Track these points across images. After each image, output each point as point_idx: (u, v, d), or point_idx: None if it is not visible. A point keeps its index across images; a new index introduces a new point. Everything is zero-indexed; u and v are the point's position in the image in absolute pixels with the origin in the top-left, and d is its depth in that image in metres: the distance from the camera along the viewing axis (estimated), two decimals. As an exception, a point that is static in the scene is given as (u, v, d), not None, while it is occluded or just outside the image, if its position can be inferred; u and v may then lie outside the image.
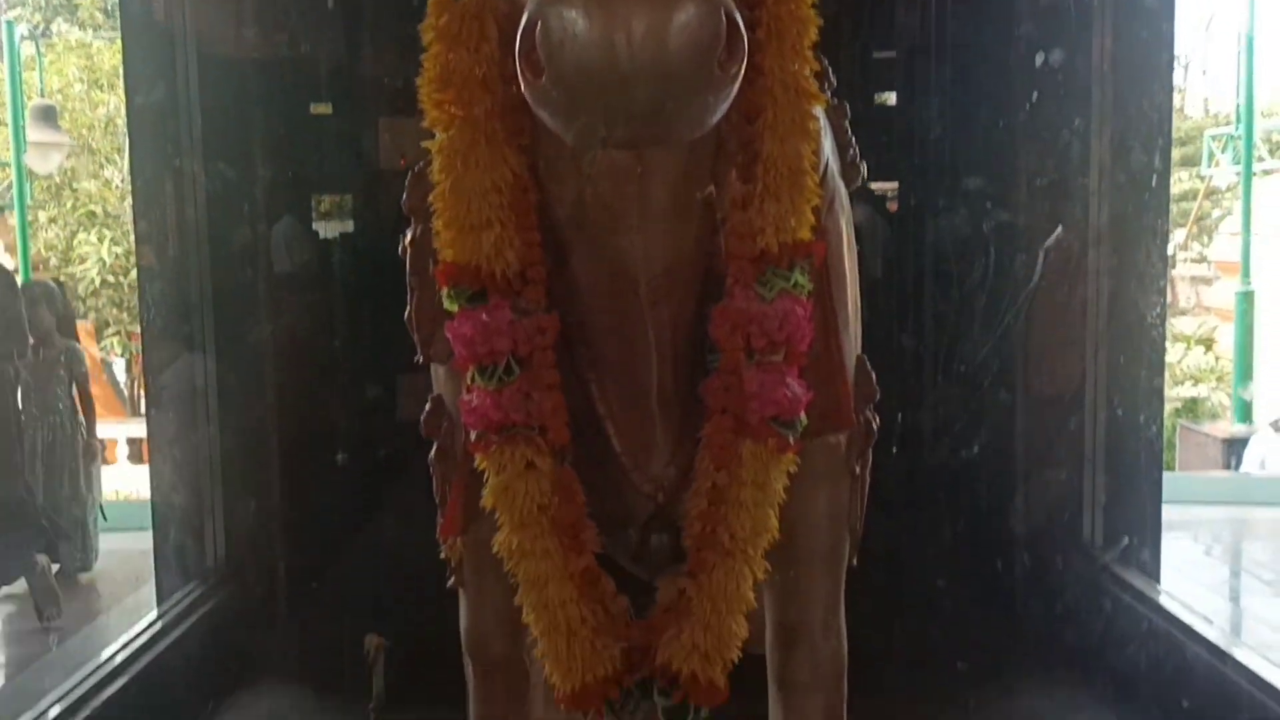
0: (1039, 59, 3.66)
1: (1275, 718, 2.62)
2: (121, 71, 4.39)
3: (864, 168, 1.95)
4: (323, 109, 4.50)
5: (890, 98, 4.27)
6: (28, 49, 12.37)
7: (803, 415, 1.62)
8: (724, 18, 1.12)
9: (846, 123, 1.92)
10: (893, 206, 4.13)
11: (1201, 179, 13.32)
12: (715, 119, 1.19)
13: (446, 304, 1.63)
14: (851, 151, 1.93)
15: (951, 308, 3.88)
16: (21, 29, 14.11)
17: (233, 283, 4.10)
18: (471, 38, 1.54)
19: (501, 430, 1.61)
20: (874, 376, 1.88)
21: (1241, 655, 2.82)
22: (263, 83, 4.20)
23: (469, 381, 1.63)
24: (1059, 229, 3.58)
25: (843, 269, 1.78)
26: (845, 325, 1.79)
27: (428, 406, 1.89)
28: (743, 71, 1.17)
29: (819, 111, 1.61)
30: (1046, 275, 3.59)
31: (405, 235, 1.86)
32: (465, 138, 1.55)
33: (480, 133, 1.54)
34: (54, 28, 17.88)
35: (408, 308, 1.86)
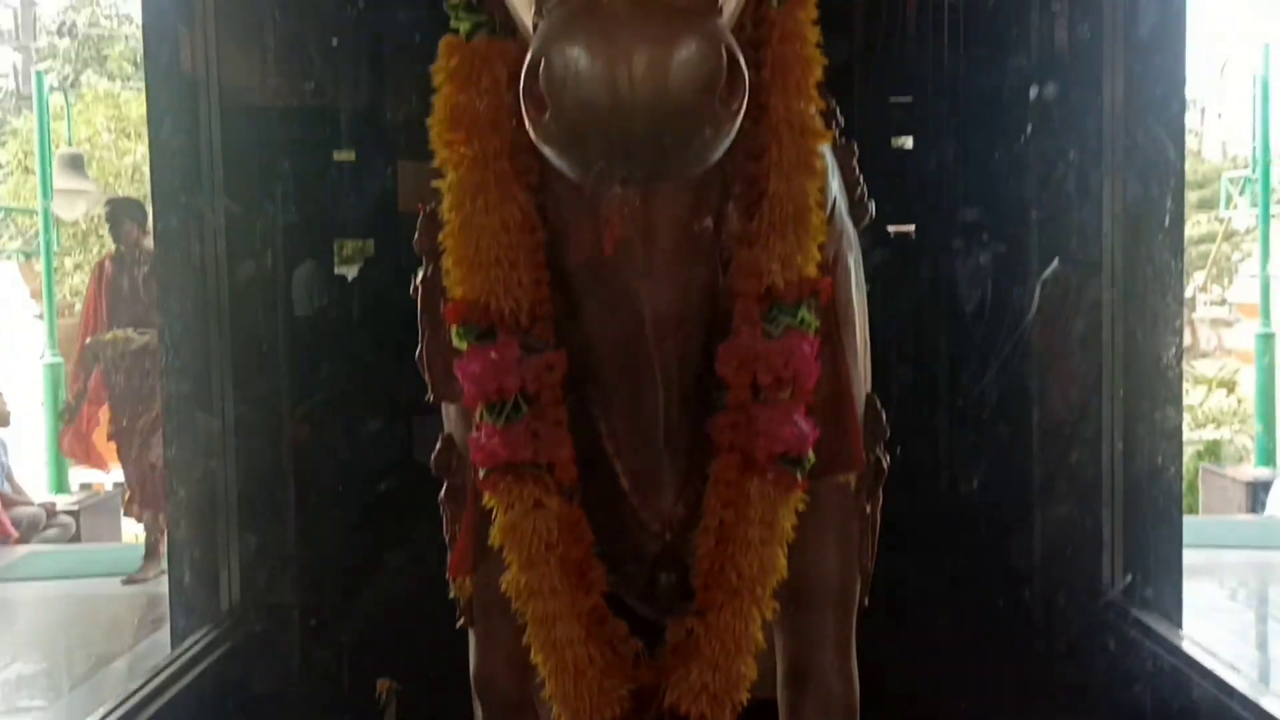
0: (1033, 92, 3.69)
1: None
2: (146, 119, 4.47)
3: (872, 206, 1.95)
4: (346, 155, 4.56)
5: (907, 141, 4.29)
6: (57, 99, 12.58)
7: (810, 453, 1.61)
8: (725, 54, 1.13)
9: (855, 162, 1.94)
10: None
11: (1220, 221, 13.29)
12: (718, 154, 1.20)
13: (456, 342, 1.64)
14: (860, 190, 1.94)
15: (969, 348, 3.87)
16: (51, 79, 14.39)
17: (252, 324, 4.14)
18: (481, 79, 1.57)
19: (509, 468, 1.61)
20: (884, 415, 1.88)
21: (1269, 704, 2.76)
22: (286, 129, 4.26)
23: (478, 419, 1.64)
24: (1055, 262, 3.58)
25: (851, 306, 1.79)
26: (854, 363, 1.79)
27: (438, 445, 1.90)
28: (744, 108, 1.18)
29: (826, 150, 1.63)
30: (1044, 308, 3.59)
31: (416, 275, 1.87)
32: (474, 177, 1.57)
33: (489, 172, 1.56)
34: (83, 79, 18.23)
35: (419, 347, 1.88)
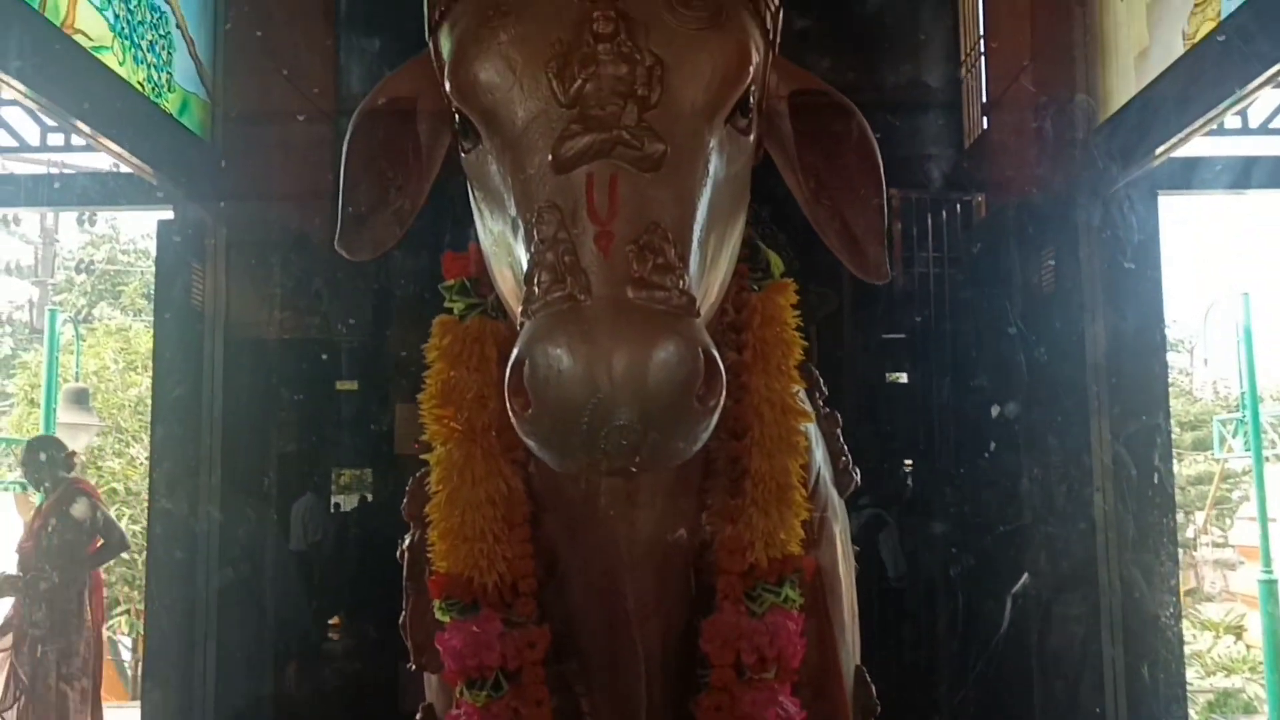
0: (1026, 346, 3.79)
1: None
2: (153, 353, 4.60)
3: (857, 474, 1.98)
4: (348, 385, 4.65)
5: (902, 376, 4.40)
6: (67, 333, 12.85)
7: (797, 734, 1.58)
8: (702, 354, 1.17)
9: (839, 430, 1.97)
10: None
11: (1216, 462, 13.34)
12: (697, 447, 1.23)
13: (438, 614, 1.63)
14: (844, 459, 1.97)
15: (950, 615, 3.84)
16: (67, 313, 14.74)
17: (244, 558, 4.13)
18: (472, 358, 1.62)
19: (489, 749, 1.57)
20: (873, 689, 1.84)
21: None
22: (290, 361, 4.37)
23: (458, 695, 1.61)
24: (1025, 576, 3.62)
25: (837, 577, 1.78)
26: (842, 636, 1.77)
27: (418, 716, 1.86)
28: (722, 403, 1.22)
29: (810, 427, 1.66)
30: (1015, 621, 3.59)
31: (403, 540, 1.88)
32: (463, 451, 1.60)
33: (477, 446, 1.59)
34: (97, 312, 18.66)
35: (402, 613, 1.86)
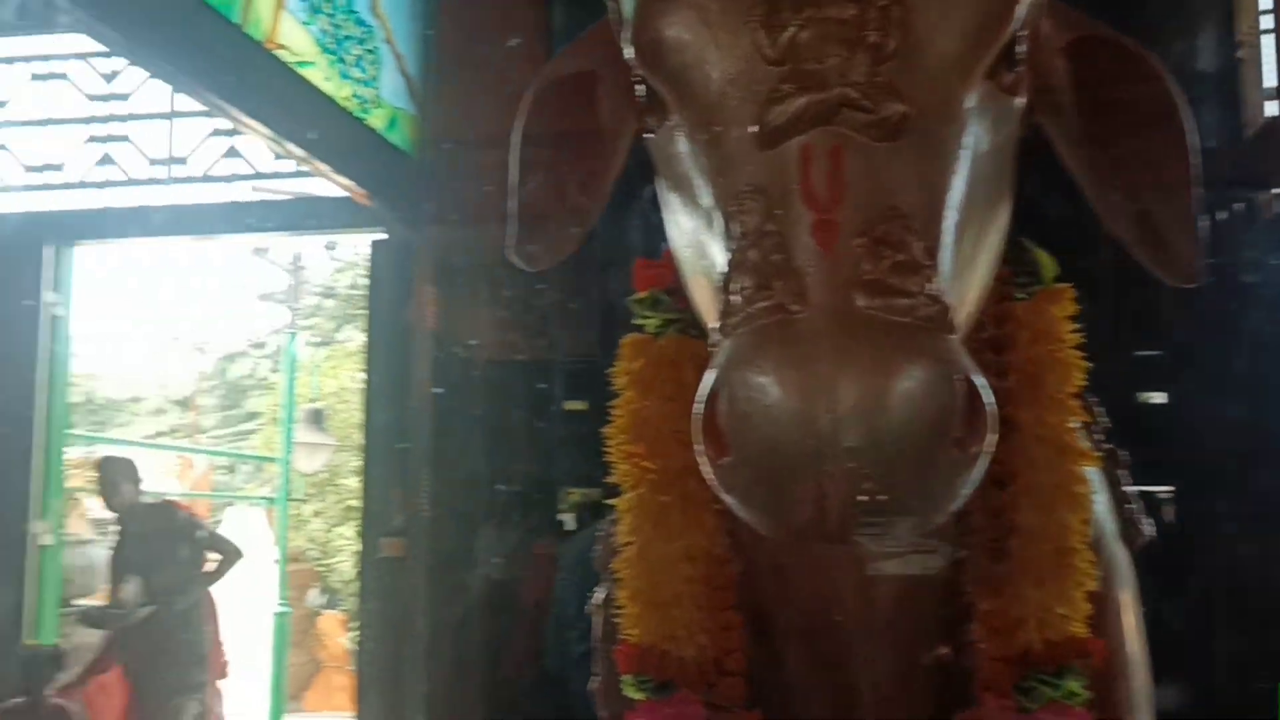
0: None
1: None
2: (365, 375, 4.59)
3: (1149, 527, 1.59)
4: (577, 405, 4.55)
5: (1157, 397, 3.91)
6: (312, 355, 13.47)
7: None
8: (961, 383, 0.86)
9: (1121, 474, 1.59)
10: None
11: None
12: (953, 507, 0.91)
13: (628, 691, 1.36)
14: (1131, 506, 1.58)
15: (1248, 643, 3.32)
16: (312, 337, 15.51)
17: (451, 579, 4.09)
18: (667, 385, 1.35)
19: None
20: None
21: None
22: (509, 380, 4.28)
23: (652, 789, 1.33)
24: None
25: (1131, 664, 1.41)
26: (1137, 732, 1.40)
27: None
28: (988, 448, 0.89)
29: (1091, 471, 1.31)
30: None
31: (594, 593, 1.63)
32: (656, 498, 1.33)
33: (673, 493, 1.32)
34: (340, 335, 19.62)
35: (592, 679, 1.61)
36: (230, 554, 5.59)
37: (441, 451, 4.19)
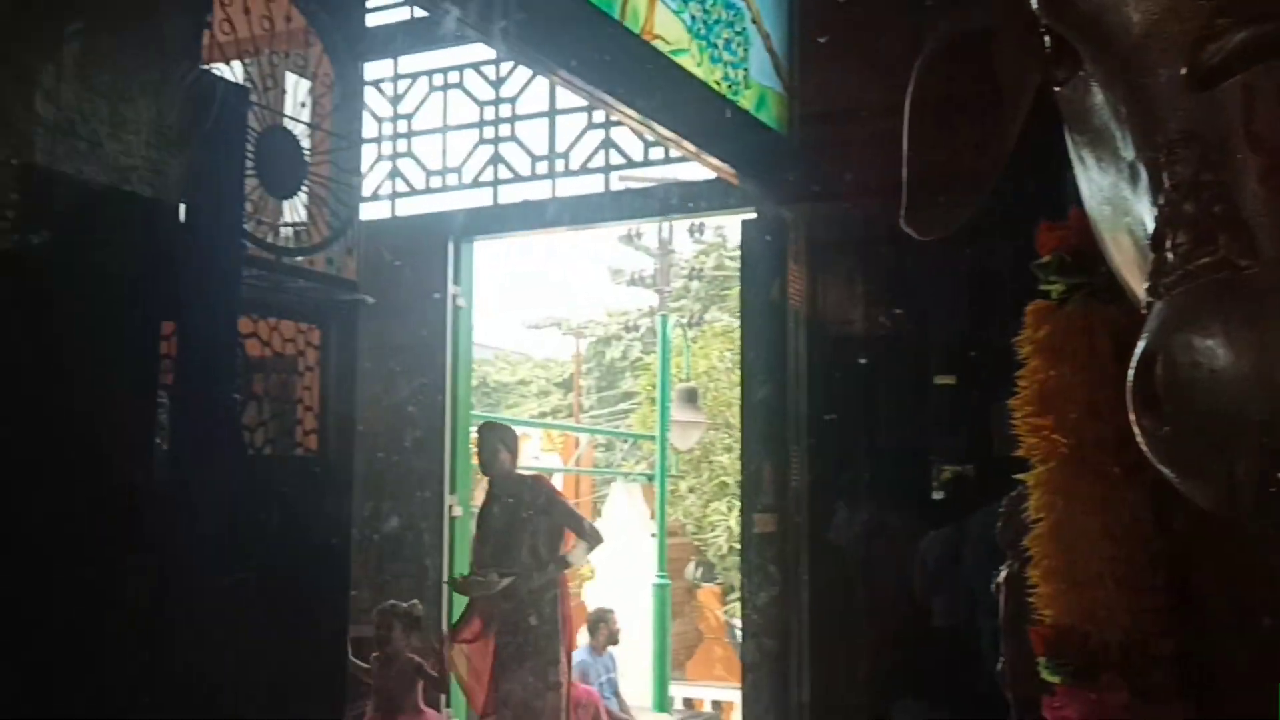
0: None
1: None
2: (740, 353, 4.67)
3: None
4: (946, 380, 4.45)
5: None
6: (681, 336, 13.91)
7: None
8: None
9: None
10: None
11: None
12: None
13: (1045, 674, 1.30)
14: None
15: None
16: (680, 319, 16.03)
17: (830, 554, 4.08)
18: (1078, 353, 1.27)
19: None
20: None
21: None
22: (879, 356, 4.22)
23: (1073, 778, 1.27)
24: None
25: None
26: None
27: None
28: None
29: None
30: None
31: (999, 572, 1.57)
32: (1069, 473, 1.26)
33: (1088, 466, 1.25)
34: (707, 315, 20.13)
35: (999, 661, 1.56)
36: (591, 539, 5.38)
37: (817, 428, 4.19)
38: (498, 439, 5.30)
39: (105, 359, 1.92)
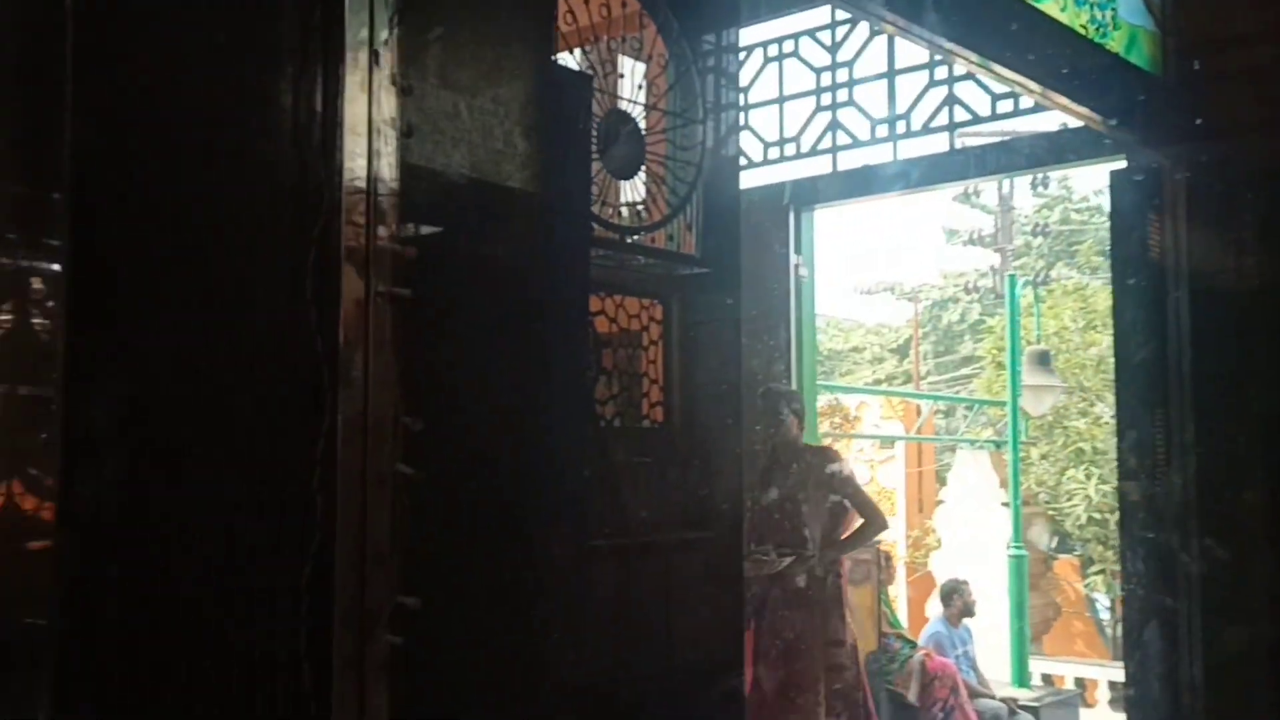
0: None
1: None
2: (1112, 311, 4.35)
3: None
4: None
5: None
6: (1026, 296, 13.25)
7: None
8: None
9: None
10: None
11: None
12: None
13: None
14: None
15: None
16: (1023, 277, 15.28)
17: (1223, 524, 3.78)
18: None
19: None
20: None
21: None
22: (1262, 313, 3.84)
23: None
24: None
25: None
26: None
27: None
28: None
29: None
30: None
31: None
32: None
33: None
34: (1053, 273, 19.06)
35: None
36: (876, 522, 4.96)
37: (1204, 391, 3.86)
38: (780, 401, 4.94)
39: (546, 344, 2.05)
